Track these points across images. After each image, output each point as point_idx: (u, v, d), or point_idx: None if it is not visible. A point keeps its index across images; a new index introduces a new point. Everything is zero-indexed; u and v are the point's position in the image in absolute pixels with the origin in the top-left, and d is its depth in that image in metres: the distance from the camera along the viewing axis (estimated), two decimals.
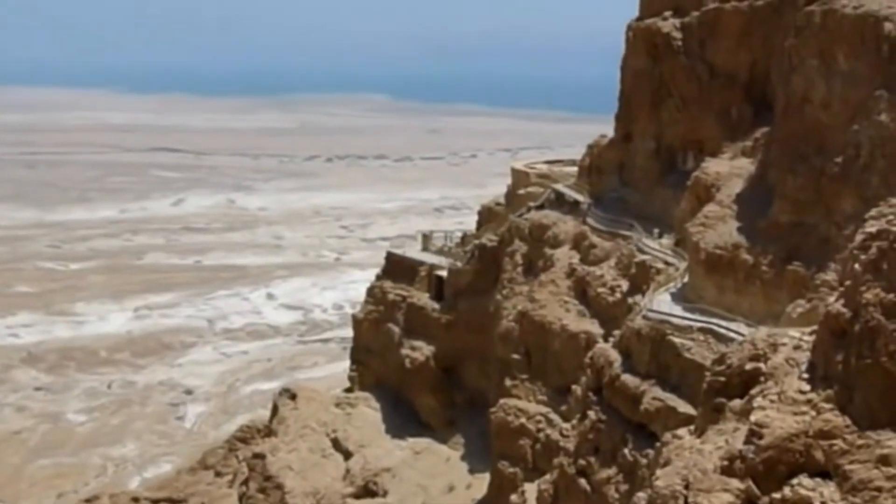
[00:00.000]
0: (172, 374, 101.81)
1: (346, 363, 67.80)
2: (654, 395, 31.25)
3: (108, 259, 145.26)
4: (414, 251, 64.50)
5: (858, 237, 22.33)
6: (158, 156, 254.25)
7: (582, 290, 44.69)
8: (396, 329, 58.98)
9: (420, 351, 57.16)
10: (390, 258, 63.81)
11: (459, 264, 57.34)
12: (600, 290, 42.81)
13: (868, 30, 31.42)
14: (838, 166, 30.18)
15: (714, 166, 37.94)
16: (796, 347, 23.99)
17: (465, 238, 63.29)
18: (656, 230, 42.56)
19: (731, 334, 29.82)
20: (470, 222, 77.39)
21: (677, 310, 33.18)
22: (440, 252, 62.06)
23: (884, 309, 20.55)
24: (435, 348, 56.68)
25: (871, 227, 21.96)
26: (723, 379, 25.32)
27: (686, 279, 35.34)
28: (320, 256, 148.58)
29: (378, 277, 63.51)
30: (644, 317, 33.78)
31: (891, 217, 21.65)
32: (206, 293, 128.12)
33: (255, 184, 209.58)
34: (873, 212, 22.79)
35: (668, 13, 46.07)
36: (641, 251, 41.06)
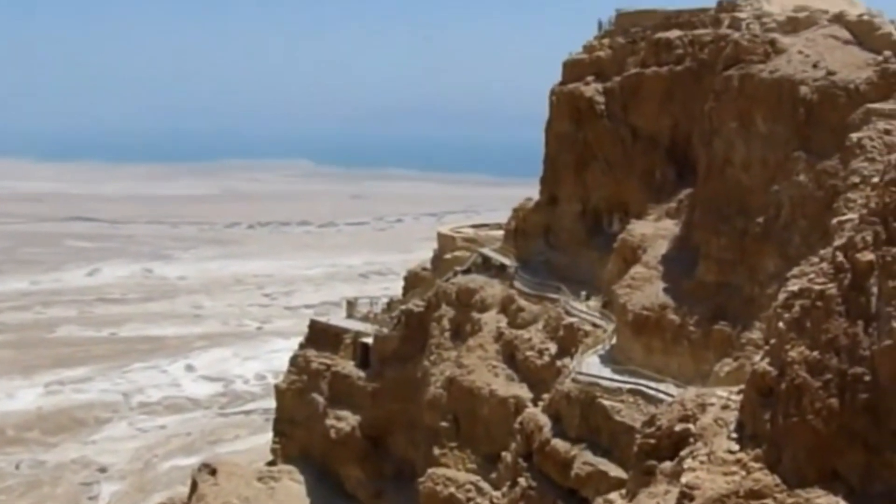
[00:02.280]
0: (86, 451, 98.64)
1: (269, 435, 66.50)
2: (584, 460, 31.32)
3: (18, 333, 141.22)
4: (338, 318, 63.96)
5: (781, 296, 22.88)
6: (73, 225, 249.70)
7: (510, 354, 44.84)
8: (321, 399, 58.24)
9: (345, 421, 56.44)
10: (314, 326, 63.21)
11: (385, 331, 57.05)
12: (529, 353, 43.00)
13: (784, 93, 32.69)
14: (760, 226, 31.05)
15: (639, 228, 38.70)
16: (724, 407, 24.33)
17: (391, 304, 63.06)
18: (583, 292, 43.07)
19: (661, 395, 30.15)
20: (396, 288, 77.24)
21: (606, 372, 33.48)
22: (365, 319, 61.69)
23: (808, 367, 20.98)
24: (361, 418, 56.00)
25: (794, 286, 22.52)
26: (653, 441, 25.51)
27: (614, 341, 35.74)
28: (242, 325, 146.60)
29: (301, 346, 62.80)
30: (573, 380, 33.98)
31: (812, 275, 22.25)
32: (121, 366, 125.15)
33: (174, 252, 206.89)
34: (795, 270, 23.40)
35: (590, 78, 47.31)
36: (569, 314, 41.45)
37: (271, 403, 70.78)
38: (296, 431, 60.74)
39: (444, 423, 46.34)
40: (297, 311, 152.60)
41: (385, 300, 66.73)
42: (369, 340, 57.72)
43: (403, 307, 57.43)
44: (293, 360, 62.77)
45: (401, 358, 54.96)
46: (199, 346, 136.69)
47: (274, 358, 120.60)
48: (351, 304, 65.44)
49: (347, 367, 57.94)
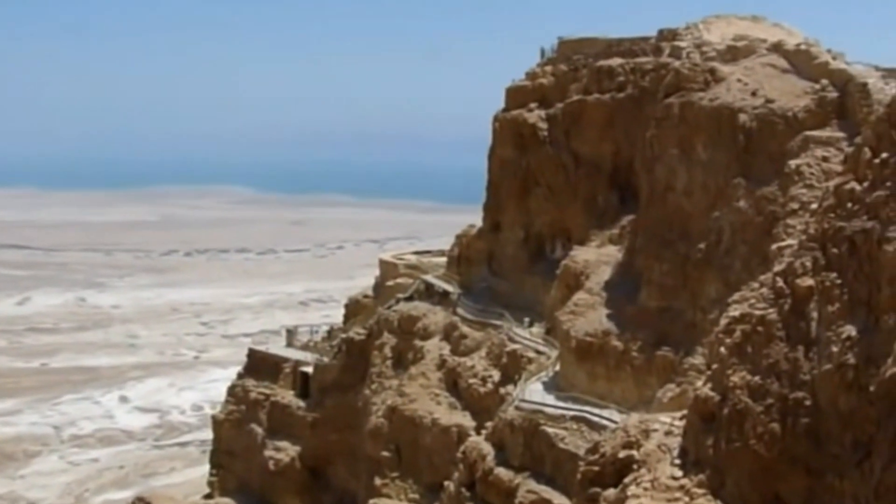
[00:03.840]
0: (14, 486, 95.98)
1: (206, 467, 65.44)
2: (528, 488, 31.30)
3: None
4: (278, 347, 63.46)
5: (723, 321, 23.18)
6: (4, 253, 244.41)
7: (453, 382, 44.78)
8: (259, 429, 57.56)
9: (285, 452, 55.84)
10: (253, 355, 62.58)
11: (326, 359, 56.65)
12: (472, 381, 42.97)
13: (724, 121, 33.31)
14: (702, 252, 31.49)
15: (582, 254, 39.01)
16: (668, 433, 24.50)
17: (331, 332, 62.69)
18: (527, 319, 43.22)
19: (604, 422, 30.29)
20: (337, 315, 76.74)
21: (550, 399, 33.57)
22: (305, 347, 61.26)
23: (750, 391, 21.24)
24: (301, 448, 55.44)
25: (735, 311, 22.84)
26: (597, 468, 25.58)
27: (558, 367, 35.87)
28: (178, 355, 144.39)
29: (240, 375, 62.09)
30: (516, 407, 34.00)
31: (753, 301, 22.58)
32: (52, 398, 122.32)
33: (109, 280, 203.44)
34: (736, 296, 23.75)
35: (533, 105, 47.74)
36: (512, 340, 41.55)
37: (208, 435, 69.73)
38: (234, 463, 59.88)
39: (385, 453, 46.03)
40: (235, 339, 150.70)
41: (325, 328, 66.39)
42: (309, 369, 57.27)
43: (344, 335, 57.11)
44: (231, 390, 62.00)
45: (341, 387, 54.58)
46: (133, 377, 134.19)
47: (211, 388, 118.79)
48: (291, 333, 65.05)
49: (287, 396, 57.39)
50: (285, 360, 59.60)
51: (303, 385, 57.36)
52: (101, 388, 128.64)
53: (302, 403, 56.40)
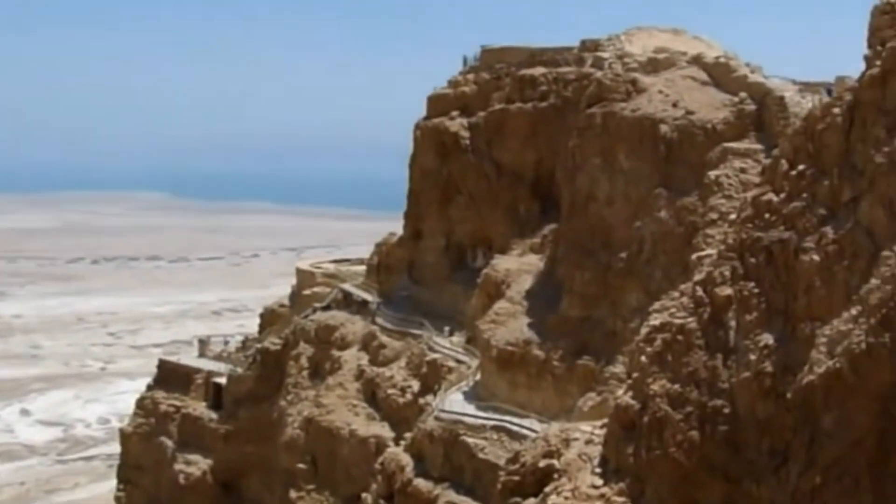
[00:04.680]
0: None
1: (113, 483, 64.10)
2: (448, 499, 31.43)
3: None
4: (190, 358, 62.62)
5: (643, 330, 23.67)
6: None
7: (371, 393, 44.73)
8: (170, 442, 56.71)
9: (196, 465, 55.08)
10: (163, 366, 61.69)
11: (240, 370, 56.09)
12: (390, 391, 42.98)
13: (646, 131, 34.06)
14: (623, 261, 32.09)
15: (504, 263, 39.38)
16: (588, 442, 24.89)
17: (246, 342, 62.13)
18: (447, 328, 43.42)
19: (525, 431, 30.60)
20: (252, 325, 75.94)
21: (470, 409, 33.77)
22: (218, 358, 60.55)
23: (670, 400, 21.72)
24: (213, 461, 54.74)
25: (655, 320, 23.34)
26: (517, 478, 25.85)
27: (478, 377, 36.11)
28: (84, 366, 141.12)
29: (149, 387, 61.11)
30: (436, 418, 34.13)
31: (673, 310, 23.10)
32: None
33: (10, 289, 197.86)
34: (656, 305, 24.28)
35: (455, 113, 48.05)
36: (432, 350, 41.69)
37: (116, 448, 68.32)
38: (142, 478, 58.83)
39: (301, 465, 45.77)
40: (144, 350, 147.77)
41: (240, 338, 65.74)
42: (222, 380, 56.63)
43: (259, 345, 56.64)
44: (140, 402, 60.99)
45: (256, 398, 54.12)
46: (35, 389, 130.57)
47: (119, 400, 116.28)
48: (203, 343, 64.45)
49: (199, 408, 56.67)
50: (197, 371, 58.87)
51: (215, 397, 56.70)
52: (0, 401, 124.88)
53: (214, 415, 55.74)
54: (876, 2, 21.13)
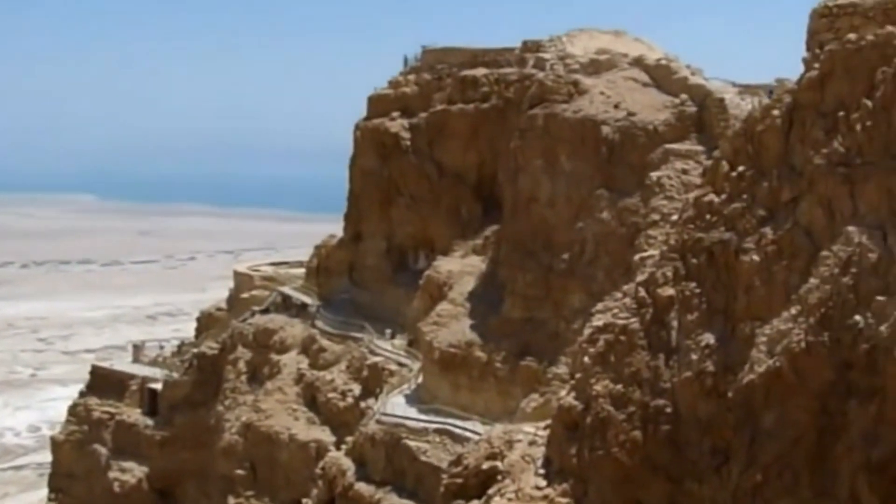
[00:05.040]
0: None
1: (44, 492, 62.90)
2: (390, 503, 31.37)
3: None
4: (124, 363, 61.77)
5: (586, 331, 23.92)
6: None
7: (311, 397, 44.51)
8: (103, 450, 55.89)
9: (131, 473, 54.35)
10: (96, 372, 60.73)
11: (176, 375, 55.46)
12: (331, 395, 42.82)
13: (587, 132, 34.39)
14: (565, 262, 32.38)
15: (446, 265, 39.45)
16: (532, 443, 25.07)
17: (182, 347, 61.45)
18: (388, 331, 43.34)
19: (468, 433, 30.69)
20: (188, 330, 75.10)
21: (412, 412, 33.78)
22: (154, 363, 59.82)
23: (613, 400, 21.98)
24: (148, 469, 54.05)
25: (598, 321, 23.61)
26: (460, 480, 25.95)
27: (420, 380, 36.12)
28: (13, 373, 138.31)
29: (82, 394, 60.15)
30: (378, 421, 34.08)
31: (616, 310, 23.38)
32: None
33: None
34: (599, 306, 24.56)
35: (395, 114, 47.98)
36: (374, 353, 41.60)
37: (47, 457, 67.02)
38: (74, 486, 57.87)
39: (239, 471, 45.39)
40: (76, 355, 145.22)
41: (175, 343, 64.99)
42: (158, 386, 55.96)
43: (196, 350, 56.04)
44: (72, 409, 59.99)
45: (192, 404, 53.56)
46: None
47: (49, 407, 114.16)
48: (138, 348, 63.63)
49: (133, 415, 55.96)
50: (132, 376, 58.11)
51: (151, 403, 56.01)
52: None
53: (150, 422, 55.07)
54: (814, 5, 21.64)
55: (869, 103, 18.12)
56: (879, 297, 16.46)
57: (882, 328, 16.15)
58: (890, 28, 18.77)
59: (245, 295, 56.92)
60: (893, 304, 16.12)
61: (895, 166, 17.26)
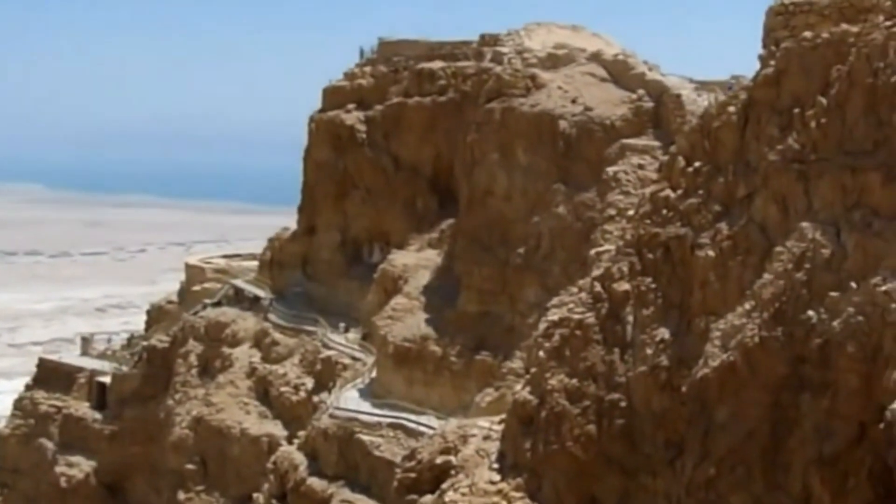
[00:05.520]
0: None
1: None
2: (342, 498, 31.37)
3: None
4: (72, 356, 61.07)
5: (542, 325, 24.01)
6: None
7: (264, 391, 44.35)
8: (50, 444, 55.27)
9: (78, 467, 53.81)
10: (43, 365, 60.02)
11: (125, 369, 54.98)
12: (283, 389, 42.68)
13: (544, 127, 34.55)
14: (521, 256, 32.50)
15: (401, 258, 39.45)
16: (486, 437, 25.13)
17: (131, 340, 60.99)
18: (342, 324, 43.26)
19: (422, 428, 30.73)
20: (138, 322, 74.40)
21: (366, 406, 33.77)
22: (103, 356, 59.24)
23: (568, 394, 22.08)
24: (96, 463, 53.54)
25: (554, 315, 23.70)
26: (413, 475, 25.95)
27: (374, 374, 36.09)
28: None
29: (28, 387, 59.40)
30: (331, 415, 34.02)
31: (571, 305, 23.49)
32: None
33: None
34: (555, 300, 24.66)
35: (351, 106, 47.85)
36: (327, 347, 41.52)
37: None
38: (20, 481, 57.14)
39: (190, 466, 45.13)
40: (23, 348, 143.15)
41: (125, 336, 64.49)
42: (107, 379, 55.47)
43: (146, 343, 55.65)
44: (18, 403, 59.26)
45: (142, 397, 53.18)
46: None
47: None
48: (86, 341, 63.09)
49: (81, 408, 55.41)
50: (80, 369, 57.54)
51: (99, 396, 55.51)
52: None
53: (98, 416, 54.59)
54: (770, 3, 21.87)
55: (824, 101, 18.32)
56: (832, 293, 16.67)
57: (835, 323, 16.36)
58: (845, 26, 19.01)
59: (196, 287, 56.57)
60: (846, 300, 16.34)
61: (849, 163, 17.48)
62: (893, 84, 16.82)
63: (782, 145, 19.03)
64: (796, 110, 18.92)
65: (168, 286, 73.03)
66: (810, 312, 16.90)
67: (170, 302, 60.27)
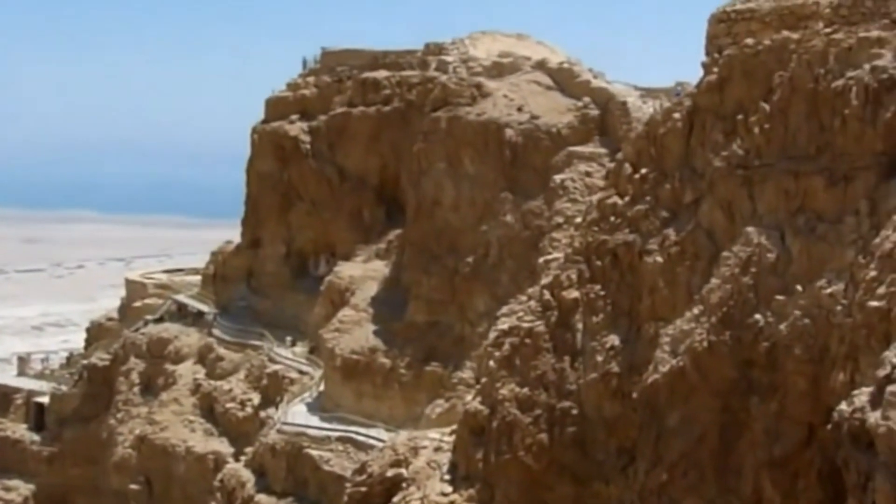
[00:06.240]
0: None
1: None
2: None
3: None
4: (8, 376, 60.11)
5: (492, 334, 24.22)
6: None
7: (209, 407, 44.00)
8: None
9: (16, 491, 52.84)
10: None
11: (64, 388, 54.17)
12: (229, 405, 42.40)
13: (491, 135, 34.85)
14: (470, 266, 32.73)
15: (347, 270, 39.44)
16: (437, 449, 25.26)
17: (70, 359, 60.12)
18: (289, 338, 43.08)
19: (371, 441, 30.72)
20: (77, 340, 73.38)
21: (314, 420, 33.69)
22: (40, 376, 58.38)
23: (519, 403, 22.30)
24: (35, 487, 52.62)
25: (503, 324, 23.92)
26: (364, 489, 25.99)
27: (322, 387, 36.02)
28: None
29: None
30: (278, 431, 33.89)
31: (521, 313, 23.73)
32: None
33: None
34: (504, 309, 24.89)
35: (294, 116, 47.75)
36: (273, 361, 41.34)
37: None
38: None
39: (134, 486, 44.61)
40: None
41: (64, 355, 63.54)
42: (45, 400, 54.64)
43: (86, 361, 54.90)
44: None
45: (83, 418, 52.48)
46: None
47: None
48: (23, 361, 62.12)
49: (19, 430, 54.48)
50: (17, 390, 56.63)
51: (37, 417, 54.64)
52: None
53: (36, 437, 53.71)
54: (713, 10, 22.33)
55: (766, 107, 18.76)
56: (778, 297, 17.05)
57: (781, 326, 16.73)
58: (786, 33, 19.49)
59: (138, 304, 55.98)
60: (792, 303, 16.72)
61: (792, 168, 17.90)
62: (834, 90, 17.28)
63: (727, 151, 19.44)
64: (740, 116, 19.35)
65: (108, 303, 72.10)
66: (757, 316, 17.28)
67: (110, 319, 59.57)
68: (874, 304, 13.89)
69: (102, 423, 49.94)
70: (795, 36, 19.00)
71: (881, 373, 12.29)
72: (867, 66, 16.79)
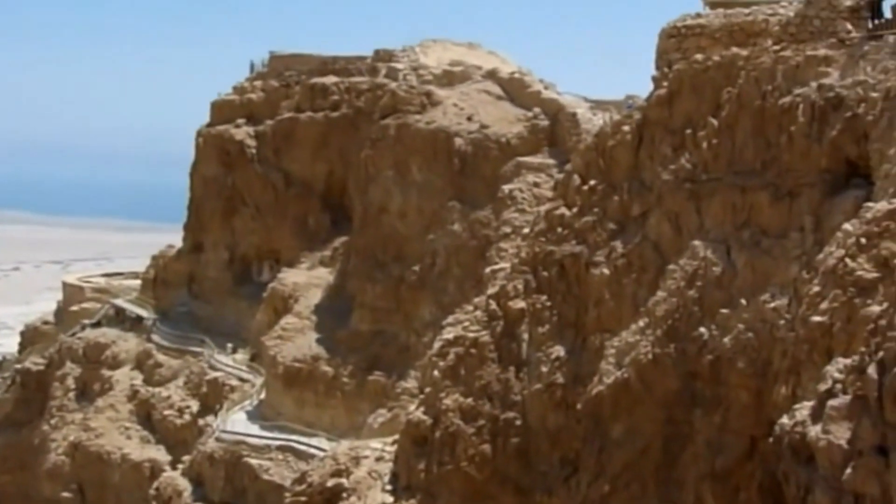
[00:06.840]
0: None
1: None
2: None
3: None
4: None
5: (437, 344, 24.26)
6: None
7: (146, 414, 43.51)
8: None
9: None
10: None
11: None
12: (167, 412, 41.96)
13: (440, 144, 34.94)
14: (416, 274, 32.75)
15: (291, 277, 39.25)
16: (379, 459, 25.23)
17: (3, 362, 59.18)
18: (230, 345, 42.78)
19: (312, 450, 30.58)
20: (11, 344, 72.17)
21: (254, 429, 33.46)
22: None
23: (463, 413, 22.35)
24: None
25: (449, 334, 23.97)
26: (304, 499, 25.87)
27: (263, 395, 35.78)
28: None
29: None
30: (217, 439, 33.58)
31: (467, 323, 23.80)
32: None
33: None
34: (450, 318, 24.96)
35: (240, 120, 47.47)
36: (213, 368, 41.02)
37: None
38: None
39: (66, 494, 43.96)
40: None
41: None
42: None
43: (19, 366, 54.04)
44: None
45: (14, 423, 51.59)
46: None
47: None
48: None
49: None
50: None
51: None
52: None
53: None
54: (663, 25, 22.63)
55: (714, 122, 19.03)
56: (723, 310, 17.27)
57: (725, 340, 16.95)
58: (735, 49, 19.81)
59: (75, 307, 55.25)
60: (736, 317, 16.94)
61: (738, 183, 18.16)
62: (781, 106, 17.58)
63: (675, 165, 19.68)
64: (688, 131, 19.61)
65: (44, 306, 71.06)
66: (702, 329, 17.48)
67: (46, 322, 58.69)
68: (817, 318, 14.12)
69: (35, 429, 49.13)
70: (744, 52, 19.31)
71: (822, 387, 12.49)
72: (814, 84, 17.10)
